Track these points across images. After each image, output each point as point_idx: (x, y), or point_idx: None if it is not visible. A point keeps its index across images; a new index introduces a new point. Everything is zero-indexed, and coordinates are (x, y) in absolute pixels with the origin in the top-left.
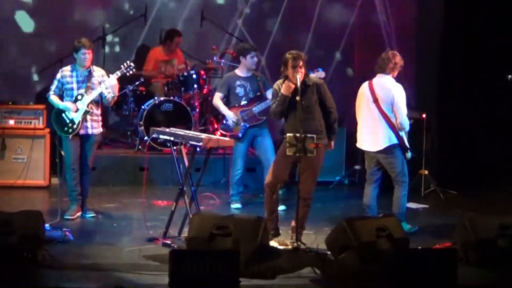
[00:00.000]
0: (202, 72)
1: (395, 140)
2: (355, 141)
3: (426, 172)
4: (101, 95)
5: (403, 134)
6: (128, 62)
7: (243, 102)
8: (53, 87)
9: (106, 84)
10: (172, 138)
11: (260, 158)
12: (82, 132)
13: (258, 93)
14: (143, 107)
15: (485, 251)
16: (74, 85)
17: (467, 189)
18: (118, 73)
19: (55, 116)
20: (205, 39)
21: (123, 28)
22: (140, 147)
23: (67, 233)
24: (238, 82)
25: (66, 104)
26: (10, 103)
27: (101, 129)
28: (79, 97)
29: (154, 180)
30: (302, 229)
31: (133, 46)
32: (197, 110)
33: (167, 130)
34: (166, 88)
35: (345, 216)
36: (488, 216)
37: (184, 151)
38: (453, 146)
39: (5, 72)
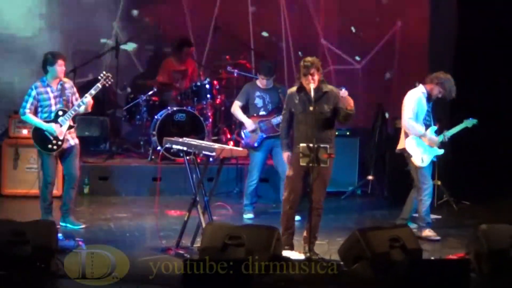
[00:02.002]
0: (215, 82)
1: (403, 145)
2: (368, 151)
3: (439, 182)
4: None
5: (415, 140)
6: (104, 72)
7: (262, 113)
8: (27, 105)
9: (85, 101)
10: (185, 148)
11: (277, 169)
12: (65, 146)
13: (279, 105)
14: (156, 117)
15: (498, 262)
16: (52, 101)
17: (480, 200)
18: (93, 91)
19: (36, 133)
20: (218, 48)
21: (136, 38)
22: (153, 157)
23: (80, 243)
24: (257, 93)
25: (50, 125)
26: None
27: (77, 140)
28: (60, 112)
29: (167, 190)
30: (314, 239)
31: (146, 56)
32: (210, 120)
33: (180, 140)
34: (179, 98)
35: (358, 227)
36: (501, 227)
37: (197, 161)
38: (466, 156)
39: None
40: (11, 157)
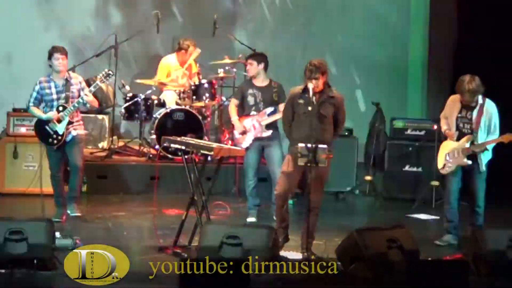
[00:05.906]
0: (214, 81)
1: None
2: (366, 151)
3: (437, 183)
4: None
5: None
6: (106, 70)
7: (253, 112)
8: (31, 99)
9: (85, 99)
10: (183, 147)
11: (268, 169)
12: (67, 139)
13: (271, 105)
14: (154, 115)
15: (495, 263)
16: (54, 96)
17: None
18: (92, 89)
19: (38, 127)
20: (217, 48)
21: (135, 38)
22: (151, 155)
23: (77, 241)
24: (250, 91)
25: (48, 114)
26: (22, 110)
27: (83, 130)
28: (61, 108)
29: (165, 189)
30: (312, 239)
31: (146, 55)
32: (209, 119)
33: (179, 139)
34: (178, 97)
35: (355, 227)
36: (498, 228)
37: (195, 160)
38: None
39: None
40: (9, 154)
